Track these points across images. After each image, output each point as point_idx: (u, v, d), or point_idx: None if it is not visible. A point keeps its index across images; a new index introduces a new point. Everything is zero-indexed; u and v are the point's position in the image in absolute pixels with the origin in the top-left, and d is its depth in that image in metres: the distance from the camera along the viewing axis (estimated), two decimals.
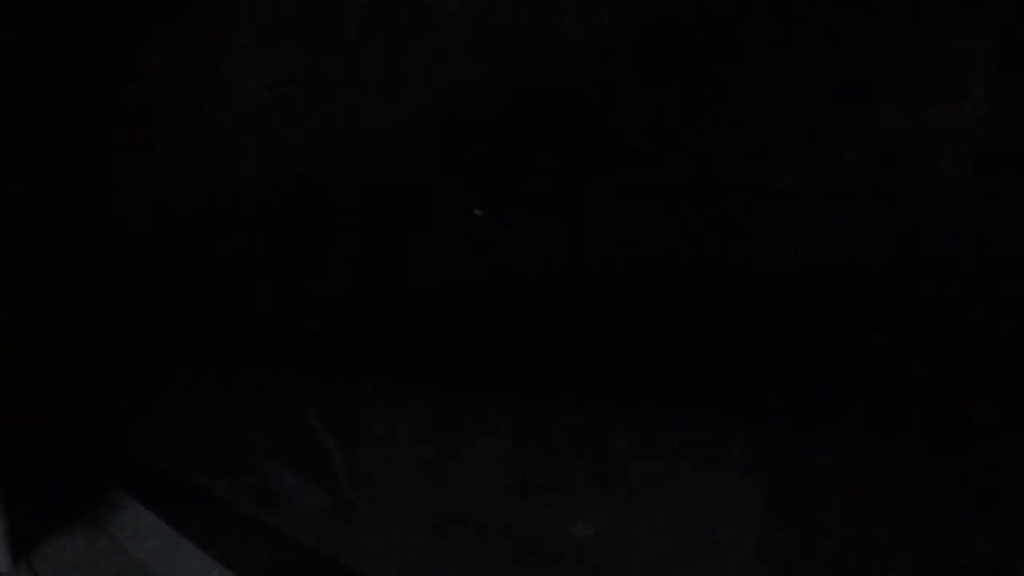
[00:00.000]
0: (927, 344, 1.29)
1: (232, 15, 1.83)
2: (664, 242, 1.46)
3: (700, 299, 1.44)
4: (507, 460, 1.64)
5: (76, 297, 2.04)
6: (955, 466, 1.30)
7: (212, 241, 2.01)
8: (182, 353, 2.00)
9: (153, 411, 2.04)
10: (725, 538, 1.43)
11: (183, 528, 1.89)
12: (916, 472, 1.31)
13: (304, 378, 1.89)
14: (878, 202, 1.31)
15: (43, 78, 1.84)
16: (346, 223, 1.80)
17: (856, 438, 1.35)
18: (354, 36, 1.71)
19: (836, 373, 1.35)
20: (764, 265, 1.38)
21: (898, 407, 1.32)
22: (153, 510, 1.88)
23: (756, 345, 1.40)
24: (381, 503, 1.78)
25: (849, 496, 1.37)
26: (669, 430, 1.47)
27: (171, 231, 2.09)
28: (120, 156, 2.08)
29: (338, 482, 1.84)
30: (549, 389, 1.65)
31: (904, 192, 1.28)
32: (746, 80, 1.35)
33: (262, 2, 1.83)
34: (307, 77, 1.77)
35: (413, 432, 1.78)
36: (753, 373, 1.41)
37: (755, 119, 1.36)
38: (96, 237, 2.14)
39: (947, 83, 1.22)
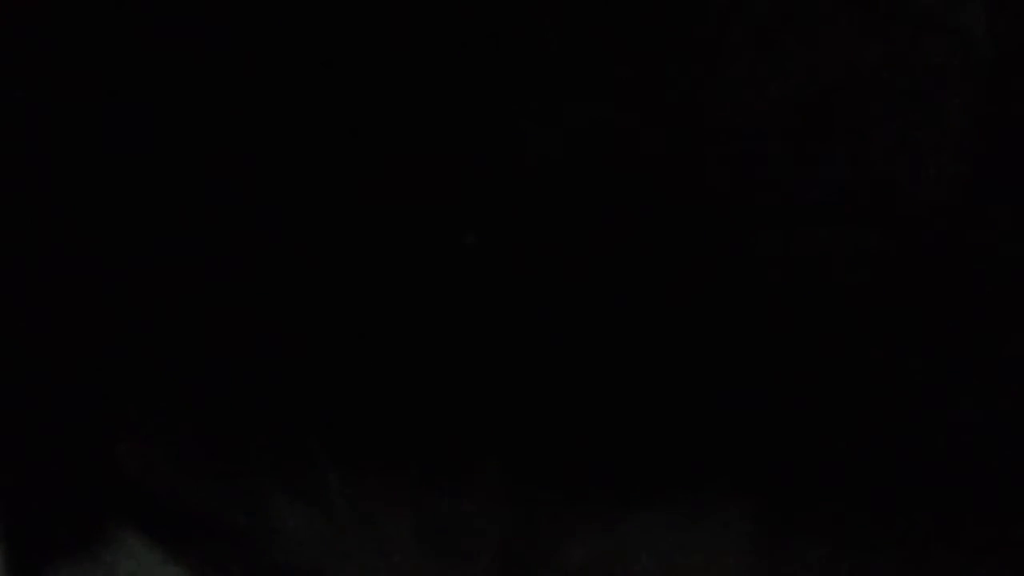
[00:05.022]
0: (922, 372, 1.30)
1: None
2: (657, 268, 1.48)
3: (689, 327, 1.46)
4: (503, 486, 1.65)
5: (78, 321, 2.06)
6: (951, 498, 1.31)
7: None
8: (181, 381, 2.02)
9: (151, 439, 2.06)
10: (718, 560, 1.43)
11: (180, 558, 1.90)
12: (912, 503, 1.32)
13: (304, 405, 1.90)
14: (865, 225, 1.33)
15: None
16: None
17: (850, 466, 1.36)
18: None
19: (828, 401, 1.37)
20: (754, 291, 1.39)
21: (896, 436, 1.34)
22: (151, 541, 1.89)
23: (749, 373, 1.41)
24: (378, 528, 1.78)
25: (842, 521, 1.38)
26: (659, 456, 1.48)
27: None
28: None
29: (336, 508, 1.84)
30: (544, 421, 1.66)
31: (891, 214, 1.30)
32: (728, 99, 1.37)
33: None
34: None
35: (410, 456, 1.79)
36: (746, 403, 1.42)
37: (738, 141, 1.37)
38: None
39: (934, 103, 1.24)
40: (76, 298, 2.07)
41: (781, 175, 1.33)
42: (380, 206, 1.80)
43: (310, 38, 1.76)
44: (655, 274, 1.45)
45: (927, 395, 1.29)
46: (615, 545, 1.51)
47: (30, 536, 1.92)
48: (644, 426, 1.51)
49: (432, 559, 1.73)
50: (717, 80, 1.37)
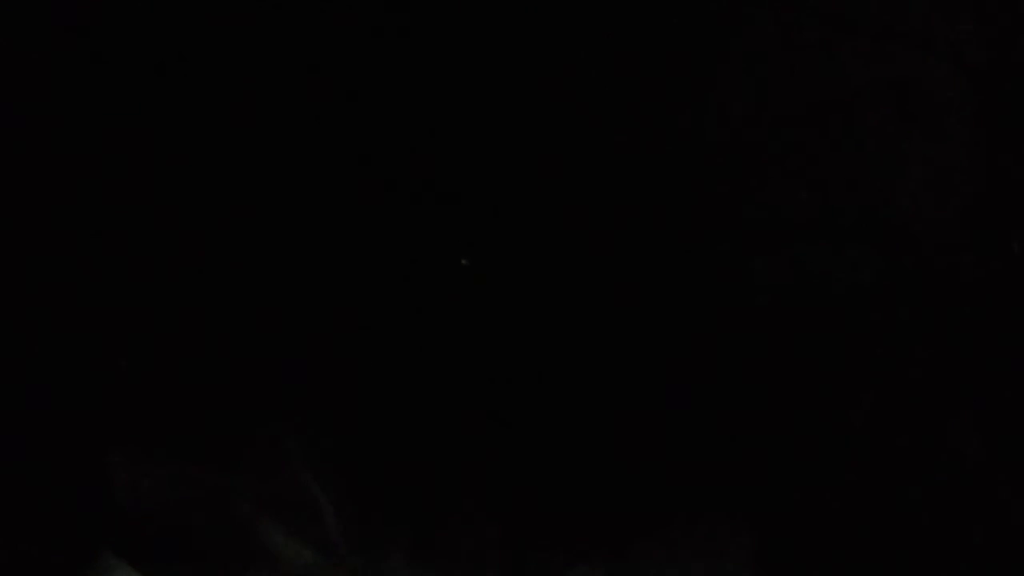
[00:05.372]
0: (915, 384, 1.30)
1: None
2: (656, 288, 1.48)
3: (688, 348, 1.45)
4: (501, 512, 1.63)
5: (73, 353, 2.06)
6: (949, 510, 1.29)
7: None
8: (176, 410, 2.02)
9: (143, 471, 2.04)
10: None
11: None
12: (910, 518, 1.31)
13: (296, 433, 1.90)
14: (863, 242, 1.33)
15: None
16: None
17: (849, 483, 1.35)
18: None
19: (828, 418, 1.36)
20: (752, 310, 1.39)
21: (890, 452, 1.33)
22: (141, 570, 1.87)
23: (749, 393, 1.41)
24: (374, 560, 1.77)
25: (840, 544, 1.36)
26: (664, 482, 1.47)
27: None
28: None
29: (330, 540, 1.83)
30: (542, 447, 1.65)
31: (888, 233, 1.30)
32: (727, 124, 1.38)
33: None
34: None
35: (405, 486, 1.78)
36: (745, 423, 1.41)
37: (737, 163, 1.39)
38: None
39: (929, 127, 1.25)
40: (68, 325, 2.07)
41: (777, 193, 1.35)
42: (379, 247, 1.81)
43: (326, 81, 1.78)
44: (655, 304, 1.46)
45: (927, 421, 1.28)
46: (619, 573, 1.49)
47: (19, 561, 1.90)
48: (647, 457, 1.50)
49: None
50: (715, 100, 1.39)
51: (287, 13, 1.79)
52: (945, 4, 1.20)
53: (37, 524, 1.92)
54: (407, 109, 1.65)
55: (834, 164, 1.34)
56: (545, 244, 1.61)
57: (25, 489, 1.96)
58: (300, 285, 1.92)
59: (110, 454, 2.09)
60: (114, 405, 2.08)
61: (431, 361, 1.77)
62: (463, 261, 1.66)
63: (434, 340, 1.76)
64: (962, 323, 1.26)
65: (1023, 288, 1.23)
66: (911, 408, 1.33)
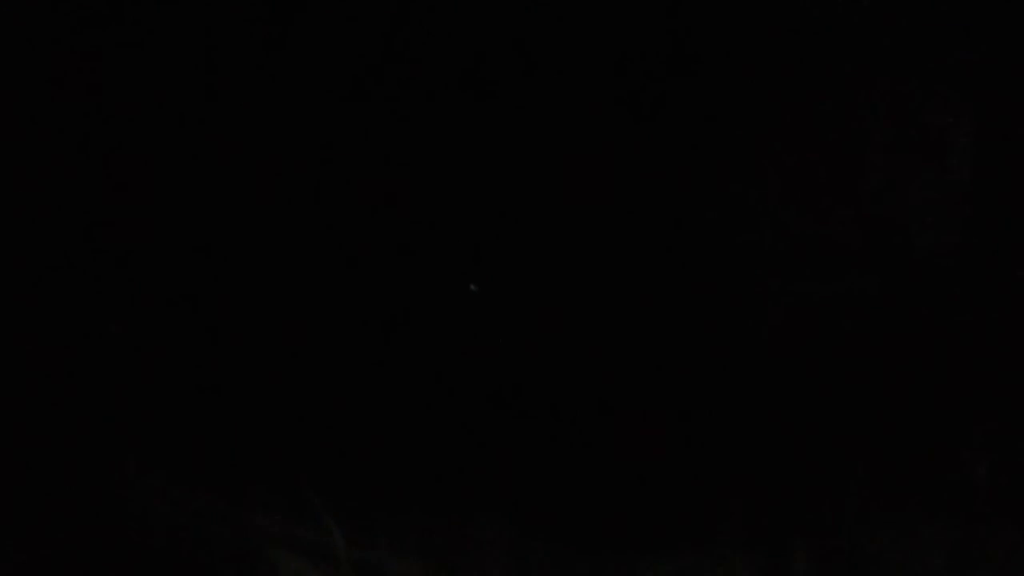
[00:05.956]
0: (917, 413, 1.31)
1: None
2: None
3: (697, 381, 1.46)
4: (507, 541, 1.64)
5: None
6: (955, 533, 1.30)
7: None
8: (183, 432, 2.03)
9: (153, 493, 2.05)
10: None
11: None
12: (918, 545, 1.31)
13: (307, 461, 1.90)
14: (868, 271, 1.34)
15: None
16: None
17: (854, 515, 1.35)
18: None
19: (834, 454, 1.37)
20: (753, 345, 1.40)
21: (894, 483, 1.33)
22: None
23: (756, 401, 1.41)
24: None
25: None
26: (668, 507, 1.48)
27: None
28: None
29: (338, 565, 1.83)
30: (549, 449, 1.66)
31: (885, 259, 1.31)
32: (728, 151, 1.40)
33: None
34: None
35: (414, 512, 1.78)
36: (750, 430, 1.42)
37: (738, 190, 1.40)
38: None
39: (926, 153, 1.26)
40: (76, 346, 2.09)
41: (785, 223, 1.36)
42: (391, 264, 1.82)
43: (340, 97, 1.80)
44: (663, 313, 1.47)
45: (931, 432, 1.29)
46: (621, 571, 1.48)
47: None
48: (654, 478, 1.50)
49: None
50: (719, 118, 1.41)
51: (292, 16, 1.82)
52: (943, 25, 1.22)
53: (53, 548, 1.93)
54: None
55: (837, 183, 1.35)
56: (552, 250, 1.63)
57: (42, 510, 1.98)
58: (314, 314, 1.94)
59: (127, 482, 2.10)
60: (129, 433, 2.09)
61: (440, 364, 1.78)
62: (472, 287, 1.67)
63: (440, 343, 1.77)
64: (964, 337, 1.27)
65: None
66: (914, 420, 1.34)
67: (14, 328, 2.03)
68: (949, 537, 1.27)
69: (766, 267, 1.39)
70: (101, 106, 1.99)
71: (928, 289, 1.26)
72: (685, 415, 1.48)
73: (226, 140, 1.97)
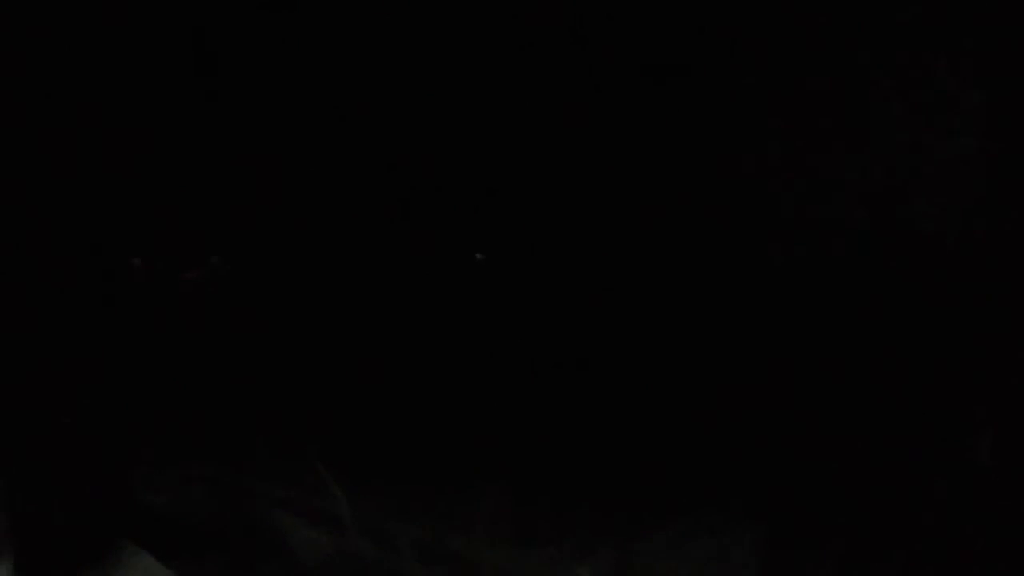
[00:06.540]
0: (924, 381, 1.30)
1: None
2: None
3: (698, 351, 1.46)
4: (509, 505, 1.65)
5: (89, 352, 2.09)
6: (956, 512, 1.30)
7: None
8: (190, 402, 2.04)
9: (161, 461, 2.08)
10: None
11: None
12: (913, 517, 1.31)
13: (312, 429, 1.92)
14: (872, 239, 1.33)
15: None
16: None
17: (855, 489, 1.35)
18: None
19: (834, 417, 1.37)
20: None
21: (903, 458, 1.33)
22: (162, 561, 1.91)
23: (756, 390, 1.41)
24: (388, 551, 1.79)
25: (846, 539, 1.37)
26: (671, 478, 1.48)
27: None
28: None
29: (345, 530, 1.85)
30: (550, 439, 1.66)
31: (889, 240, 1.30)
32: (735, 128, 1.38)
33: None
34: None
35: (418, 478, 1.80)
36: (752, 420, 1.42)
37: (747, 159, 1.39)
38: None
39: (933, 128, 1.25)
40: (85, 329, 2.10)
41: (790, 188, 1.35)
42: (396, 232, 1.82)
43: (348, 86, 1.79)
44: (664, 299, 1.46)
45: (935, 420, 1.28)
46: (626, 563, 1.50)
47: (44, 554, 1.94)
48: (656, 448, 1.51)
49: None
50: (725, 100, 1.39)
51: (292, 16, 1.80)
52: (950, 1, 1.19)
53: (62, 517, 1.96)
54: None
55: (843, 161, 1.34)
56: (554, 239, 1.62)
57: (50, 483, 2.00)
58: (315, 283, 1.94)
59: (133, 454, 2.13)
60: (136, 408, 2.11)
61: (443, 355, 1.78)
62: (477, 255, 1.67)
63: (446, 334, 1.77)
64: (972, 320, 1.26)
65: None
66: (919, 407, 1.33)
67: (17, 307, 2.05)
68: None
69: (770, 241, 1.38)
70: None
71: (939, 269, 1.25)
72: (684, 399, 1.48)
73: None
